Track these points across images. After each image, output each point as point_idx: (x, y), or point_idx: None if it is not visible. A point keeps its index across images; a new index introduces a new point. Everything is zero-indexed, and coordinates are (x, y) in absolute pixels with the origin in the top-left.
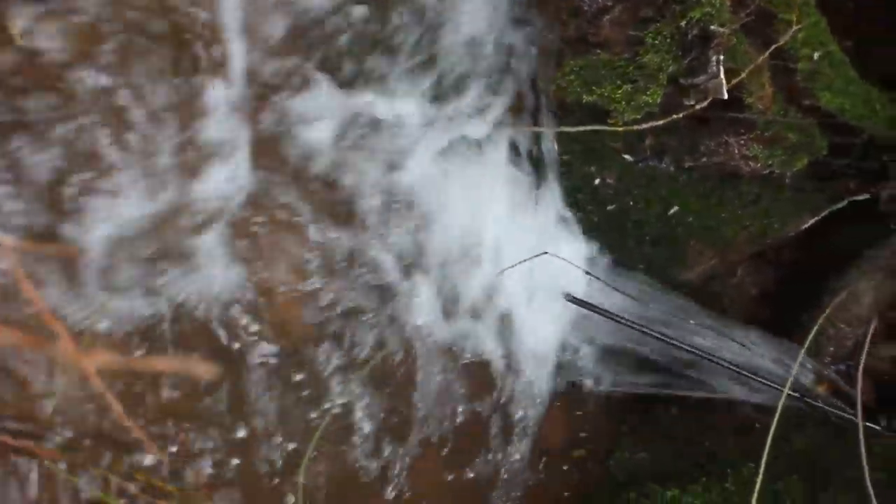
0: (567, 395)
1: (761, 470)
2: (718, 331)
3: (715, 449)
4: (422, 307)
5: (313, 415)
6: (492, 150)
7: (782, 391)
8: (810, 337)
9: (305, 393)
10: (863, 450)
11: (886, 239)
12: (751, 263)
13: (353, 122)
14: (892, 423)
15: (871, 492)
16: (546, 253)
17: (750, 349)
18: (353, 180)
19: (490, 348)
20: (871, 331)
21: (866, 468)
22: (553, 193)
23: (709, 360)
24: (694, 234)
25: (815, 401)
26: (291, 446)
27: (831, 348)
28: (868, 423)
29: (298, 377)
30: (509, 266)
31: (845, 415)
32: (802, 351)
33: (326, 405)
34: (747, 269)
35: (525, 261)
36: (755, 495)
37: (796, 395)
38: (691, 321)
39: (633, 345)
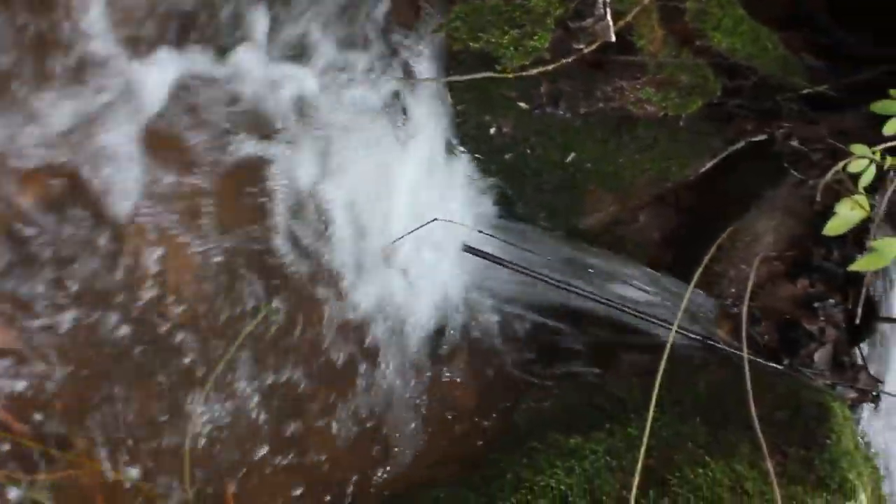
0: (470, 347)
1: (650, 414)
2: (619, 275)
3: (622, 394)
4: (319, 272)
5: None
6: (381, 106)
7: (682, 332)
8: (696, 276)
9: (193, 352)
10: (749, 387)
11: (783, 178)
12: (652, 208)
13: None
14: (794, 362)
15: (758, 428)
16: (436, 219)
17: (649, 292)
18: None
19: (389, 307)
20: (754, 269)
21: (752, 404)
22: (448, 144)
23: (610, 305)
24: (593, 180)
25: (718, 342)
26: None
27: (733, 289)
28: (771, 363)
29: (185, 338)
30: (398, 238)
31: (748, 355)
32: (690, 287)
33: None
34: (649, 214)
35: (415, 230)
36: (645, 438)
37: (696, 336)
38: (590, 268)
39: (536, 294)
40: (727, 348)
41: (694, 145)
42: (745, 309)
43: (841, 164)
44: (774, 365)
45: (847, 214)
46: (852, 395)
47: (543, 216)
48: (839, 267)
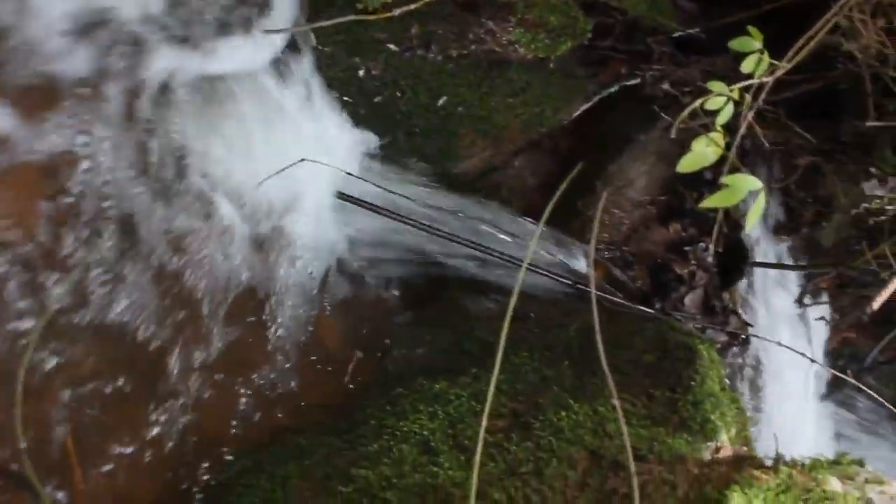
0: (342, 294)
1: (497, 359)
2: (490, 221)
3: (491, 339)
4: (187, 221)
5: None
6: (249, 57)
7: (553, 276)
8: (545, 214)
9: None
10: (597, 327)
11: (655, 122)
12: (528, 153)
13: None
14: (665, 306)
15: (606, 367)
16: (303, 160)
17: (520, 237)
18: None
19: (256, 254)
20: (600, 207)
21: (600, 344)
22: (316, 89)
23: (477, 248)
24: (465, 125)
25: (588, 286)
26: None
27: (605, 234)
28: (642, 307)
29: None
30: (263, 180)
31: (617, 299)
32: (540, 225)
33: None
34: (525, 159)
35: (282, 170)
36: (493, 379)
37: (567, 280)
38: (460, 213)
39: (410, 240)
40: (601, 293)
41: (567, 89)
42: (591, 247)
43: (698, 102)
44: (645, 309)
45: (701, 151)
46: (723, 338)
47: (416, 161)
48: (711, 211)
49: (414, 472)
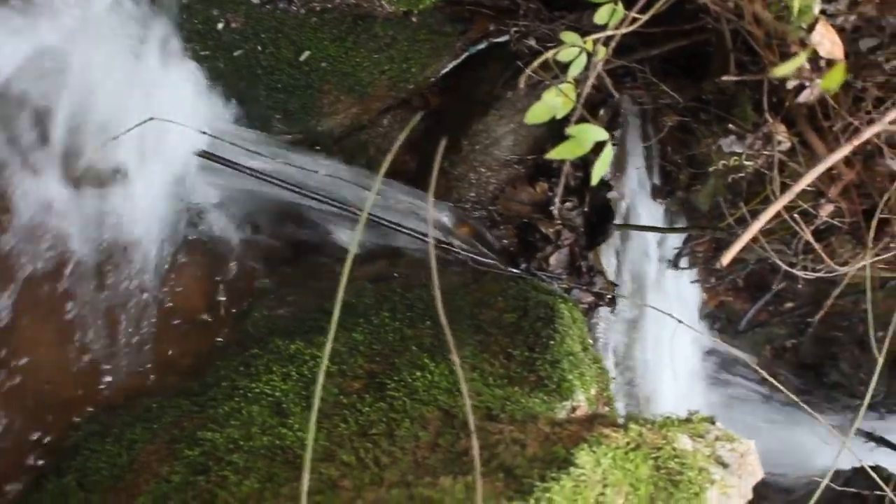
0: (202, 254)
1: (335, 319)
2: (355, 180)
3: (353, 300)
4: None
5: None
6: (102, 11)
7: (416, 236)
8: (384, 165)
9: None
10: (436, 282)
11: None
12: (397, 112)
13: None
14: (530, 266)
15: (446, 325)
16: (152, 119)
17: (386, 196)
18: None
19: (110, 213)
20: (437, 154)
21: (439, 300)
22: (174, 42)
23: (341, 207)
24: (329, 81)
25: (453, 246)
26: None
27: (472, 193)
28: (507, 267)
29: None
30: (112, 138)
31: (483, 258)
32: (378, 177)
33: None
34: (394, 118)
35: (131, 129)
36: (330, 336)
37: (435, 241)
38: (322, 170)
39: (272, 199)
40: (467, 252)
41: (435, 46)
42: (429, 202)
43: (549, 53)
44: (510, 269)
45: (550, 101)
46: (589, 298)
47: (279, 118)
48: (577, 169)
49: (263, 434)
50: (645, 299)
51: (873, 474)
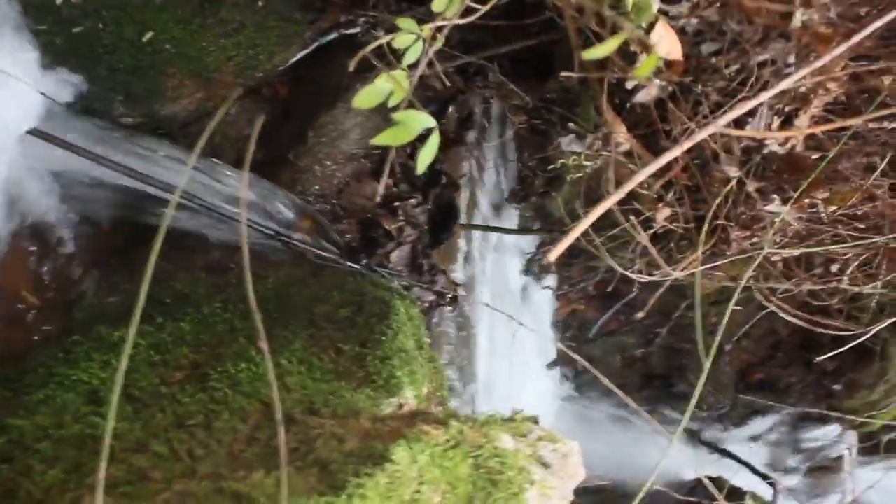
0: (33, 237)
1: (140, 302)
2: (197, 167)
3: (186, 289)
4: None
5: None
6: None
7: (254, 227)
8: (198, 147)
9: None
10: (246, 262)
11: (370, 71)
12: (244, 100)
13: None
14: (371, 262)
15: (256, 311)
16: None
17: (227, 186)
18: None
19: None
20: (254, 133)
21: (251, 292)
22: (10, 15)
23: (183, 197)
24: (173, 64)
25: (291, 239)
26: None
27: (316, 186)
28: (347, 262)
29: None
30: None
31: (323, 252)
32: (192, 158)
33: None
34: (241, 106)
35: None
36: (133, 322)
37: (269, 231)
38: (160, 152)
39: (113, 184)
40: (301, 245)
41: (284, 34)
42: (244, 180)
43: (384, 39)
44: (350, 264)
45: (380, 87)
46: (430, 297)
47: (121, 100)
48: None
49: (75, 422)
50: (495, 303)
51: (709, 484)
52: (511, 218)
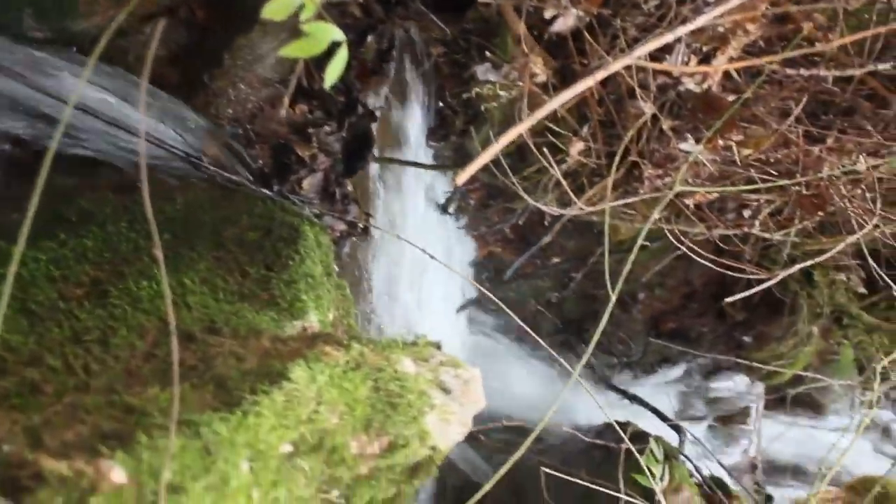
0: None
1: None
2: (107, 87)
3: (92, 208)
4: None
5: None
6: None
7: (161, 146)
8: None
9: None
10: (147, 202)
11: None
12: (160, 21)
13: None
14: (283, 188)
15: (154, 228)
16: None
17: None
18: None
19: None
20: (154, 38)
21: (150, 211)
22: None
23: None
24: None
25: (201, 161)
26: None
27: (230, 110)
28: (264, 189)
29: None
30: None
31: (234, 177)
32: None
33: None
34: (164, 29)
35: None
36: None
37: (178, 152)
38: (68, 70)
39: (16, 98)
40: (217, 170)
41: None
42: (142, 94)
43: None
44: (262, 189)
45: None
46: (341, 226)
47: (30, 13)
48: (339, 94)
49: None
50: (409, 237)
51: (618, 428)
52: (427, 156)
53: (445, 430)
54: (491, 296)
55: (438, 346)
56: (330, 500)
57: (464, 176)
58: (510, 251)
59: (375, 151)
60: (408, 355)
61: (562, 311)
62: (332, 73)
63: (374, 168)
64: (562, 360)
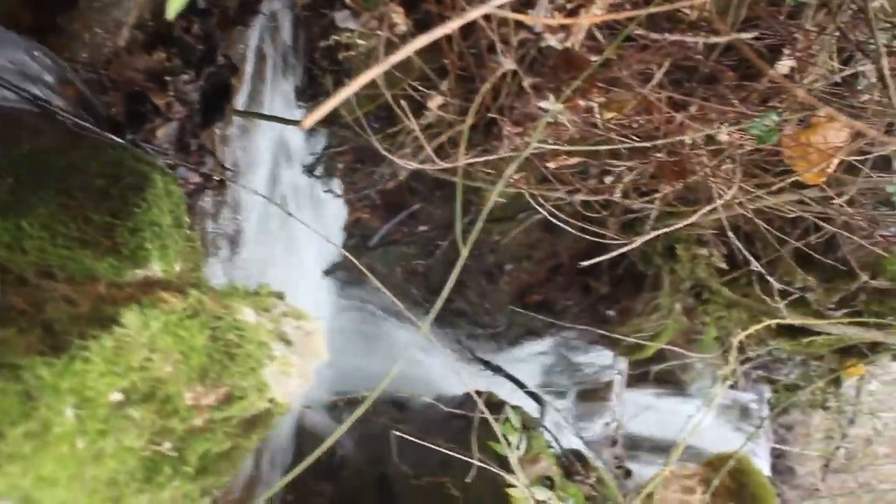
0: None
1: None
2: None
3: None
4: None
5: None
6: None
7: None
8: None
9: None
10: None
11: None
12: None
13: None
14: (136, 137)
15: None
16: None
17: None
18: None
19: None
20: None
21: None
22: None
23: None
24: None
25: (51, 105)
26: None
27: (85, 54)
28: (115, 137)
29: None
30: None
31: (85, 123)
32: None
33: None
34: None
35: None
36: None
37: (28, 96)
38: None
39: None
40: (61, 113)
41: None
42: None
43: None
44: (113, 137)
45: None
46: (196, 179)
47: None
48: (199, 42)
49: None
50: (277, 200)
51: (475, 396)
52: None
53: (285, 382)
54: (353, 259)
55: (281, 297)
56: (162, 452)
57: (310, 120)
58: (377, 218)
59: (240, 106)
60: (248, 305)
61: (428, 280)
62: (174, 5)
63: (237, 123)
64: (411, 316)
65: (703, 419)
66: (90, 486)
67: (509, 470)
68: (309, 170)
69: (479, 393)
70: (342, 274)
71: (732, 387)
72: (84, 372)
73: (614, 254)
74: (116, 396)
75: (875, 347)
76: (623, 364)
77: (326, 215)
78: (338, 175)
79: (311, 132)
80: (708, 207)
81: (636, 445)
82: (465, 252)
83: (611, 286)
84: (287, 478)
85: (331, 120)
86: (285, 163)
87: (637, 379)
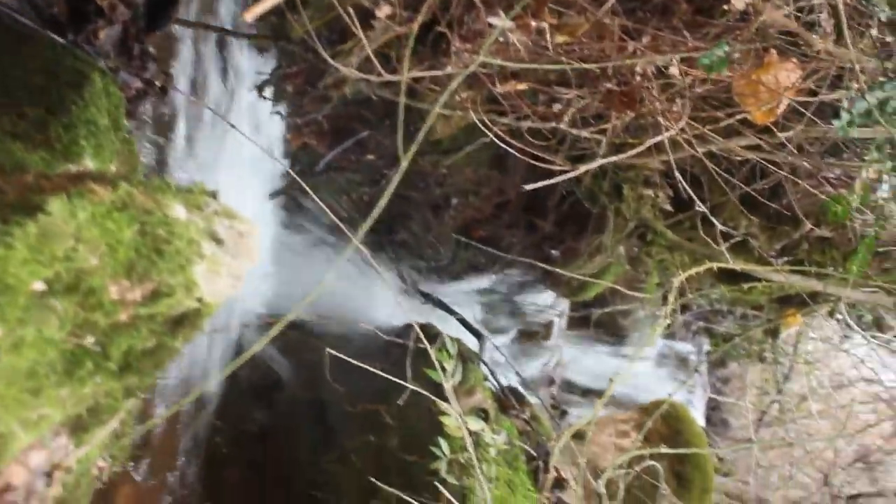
0: None
1: None
2: None
3: None
4: None
5: None
6: None
7: None
8: None
9: None
10: None
11: None
12: None
13: None
14: (77, 38)
15: None
16: None
17: None
18: None
19: None
20: None
21: None
22: None
23: None
24: None
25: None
26: None
27: None
28: (56, 36)
29: None
30: None
31: (26, 21)
32: None
33: None
34: None
35: None
36: None
37: None
38: None
39: None
40: (3, 8)
41: None
42: None
43: None
44: (54, 36)
45: None
46: (138, 84)
47: None
48: None
49: None
50: (225, 115)
51: (414, 324)
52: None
53: (215, 282)
54: (299, 179)
55: (214, 196)
56: (84, 346)
57: (252, 12)
58: (324, 145)
59: (189, 17)
60: (180, 201)
61: (373, 209)
62: None
63: (186, 33)
64: (343, 226)
65: (638, 359)
66: (8, 376)
67: (445, 399)
68: (258, 89)
69: (418, 324)
70: (286, 200)
71: (672, 337)
72: (5, 258)
73: (561, 178)
74: (38, 286)
75: (814, 297)
76: (564, 305)
77: (272, 139)
78: (286, 98)
79: (262, 52)
80: (656, 139)
81: (573, 388)
82: (404, 163)
83: (556, 226)
84: (204, 385)
85: (281, 34)
86: (235, 81)
87: (578, 322)
